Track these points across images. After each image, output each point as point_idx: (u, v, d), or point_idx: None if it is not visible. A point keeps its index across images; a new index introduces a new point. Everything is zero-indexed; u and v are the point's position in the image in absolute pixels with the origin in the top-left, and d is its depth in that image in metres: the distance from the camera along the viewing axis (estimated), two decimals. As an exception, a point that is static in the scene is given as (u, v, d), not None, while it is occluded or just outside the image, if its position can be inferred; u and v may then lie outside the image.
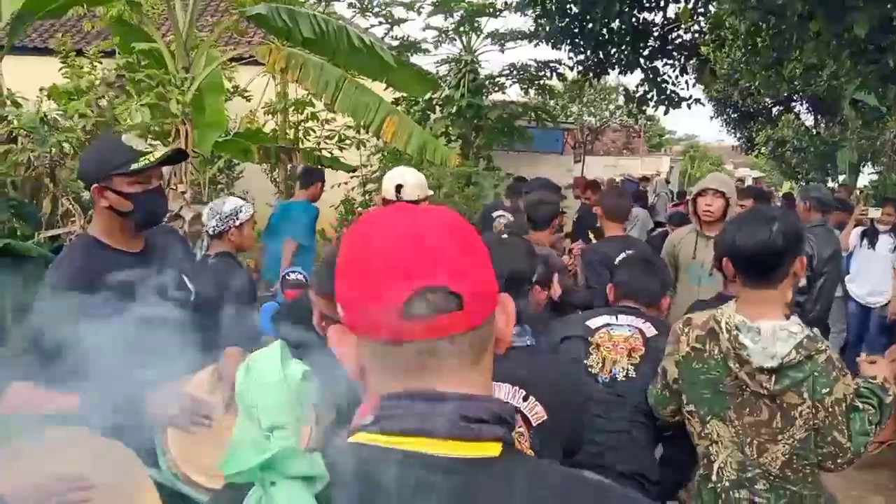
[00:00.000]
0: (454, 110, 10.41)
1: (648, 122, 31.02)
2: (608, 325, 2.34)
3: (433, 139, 5.27)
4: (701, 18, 9.48)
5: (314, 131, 7.58)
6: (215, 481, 1.62)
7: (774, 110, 21.26)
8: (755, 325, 1.76)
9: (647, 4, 9.02)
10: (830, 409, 1.75)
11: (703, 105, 12.12)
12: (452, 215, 0.79)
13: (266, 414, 0.75)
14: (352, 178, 8.23)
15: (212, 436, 1.70)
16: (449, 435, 0.69)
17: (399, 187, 3.29)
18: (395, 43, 10.36)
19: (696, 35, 9.84)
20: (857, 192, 12.44)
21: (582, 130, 26.35)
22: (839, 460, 1.80)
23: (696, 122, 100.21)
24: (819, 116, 19.23)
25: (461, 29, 10.93)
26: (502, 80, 11.20)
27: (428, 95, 11.13)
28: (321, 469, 0.67)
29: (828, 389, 1.75)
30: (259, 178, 8.74)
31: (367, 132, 6.01)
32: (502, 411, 0.74)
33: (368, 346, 0.74)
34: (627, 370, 2.24)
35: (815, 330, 1.83)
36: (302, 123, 8.12)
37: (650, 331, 2.30)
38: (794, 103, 19.98)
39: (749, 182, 22.17)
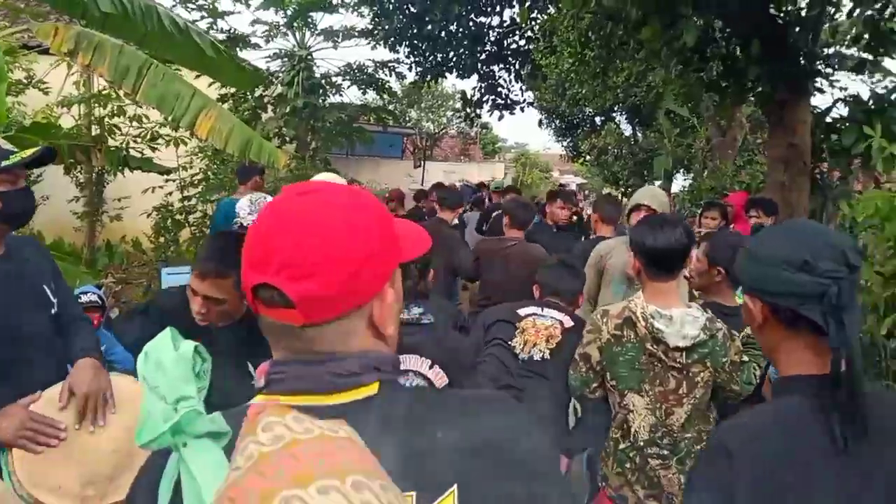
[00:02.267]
0: (288, 110, 9.74)
1: (483, 130, 31.94)
2: (535, 314, 2.76)
3: (258, 137, 4.63)
4: (535, 25, 9.64)
5: (119, 129, 6.57)
6: (66, 501, 1.65)
7: (597, 120, 22.76)
8: (667, 313, 2.12)
9: (485, 9, 8.97)
10: (728, 371, 2.19)
11: (535, 108, 12.39)
12: (341, 205, 0.80)
13: (169, 389, 0.80)
14: (167, 181, 7.30)
15: (62, 454, 1.70)
16: (325, 390, 0.80)
17: None
18: (222, 36, 9.49)
19: (530, 42, 9.99)
20: (673, 197, 13.43)
21: (421, 136, 26.45)
22: (738, 400, 2.24)
23: (527, 131, 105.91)
24: (637, 126, 20.77)
25: (294, 24, 10.30)
26: (339, 80, 10.68)
27: (259, 93, 10.37)
28: (224, 425, 0.75)
29: (726, 358, 2.18)
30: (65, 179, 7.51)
31: (179, 128, 5.22)
32: (376, 361, 0.82)
33: None
34: (544, 353, 2.65)
35: (709, 312, 2.23)
36: (107, 119, 7.05)
37: (568, 322, 2.72)
38: (614, 114, 21.49)
39: (573, 186, 23.40)
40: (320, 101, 10.06)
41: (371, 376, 0.81)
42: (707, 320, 2.15)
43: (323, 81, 10.93)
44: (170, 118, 4.42)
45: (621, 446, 2.22)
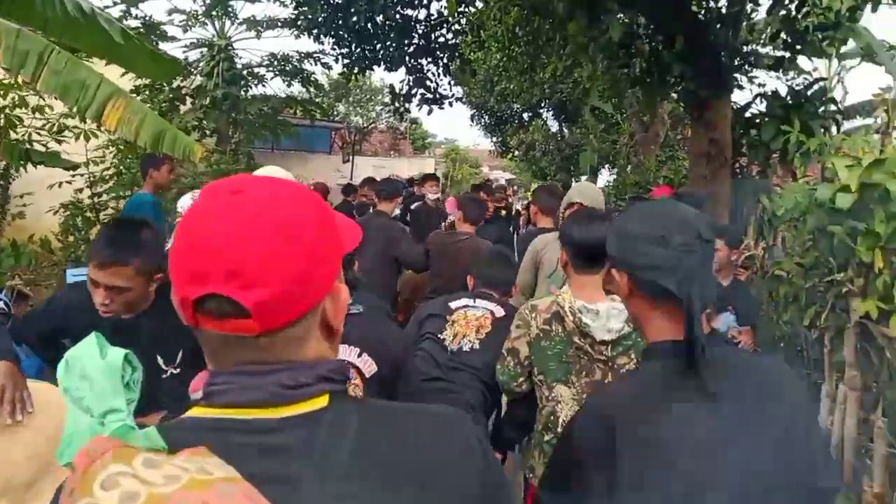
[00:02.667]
0: (207, 102, 9.32)
1: (413, 125, 31.79)
2: (466, 306, 2.78)
3: (173, 129, 4.34)
4: (463, 19, 9.57)
5: (20, 120, 6.06)
6: None
7: (525, 116, 23.02)
8: (594, 307, 2.14)
9: (412, 1, 8.83)
10: None
11: (465, 104, 12.37)
12: (281, 202, 0.74)
13: (96, 402, 0.74)
14: (74, 176, 6.81)
15: None
16: (272, 402, 0.73)
17: None
18: (136, 23, 8.97)
19: (458, 35, 9.92)
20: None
21: (349, 130, 26.05)
22: None
23: (457, 126, 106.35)
24: (563, 122, 21.12)
25: (213, 13, 9.86)
26: (262, 70, 10.32)
27: (176, 84, 9.89)
28: (158, 440, 0.66)
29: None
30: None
31: (86, 119, 4.86)
32: (327, 371, 0.78)
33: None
34: (473, 343, 2.67)
35: None
36: (7, 110, 6.50)
37: (499, 312, 2.73)
38: (542, 110, 21.80)
39: (502, 181, 23.62)
40: (242, 92, 9.68)
41: (321, 387, 0.77)
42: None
43: (245, 72, 10.54)
44: (74, 108, 4.08)
45: (546, 438, 2.25)
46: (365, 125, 27.62)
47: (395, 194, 5.50)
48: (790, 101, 5.69)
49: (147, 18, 9.39)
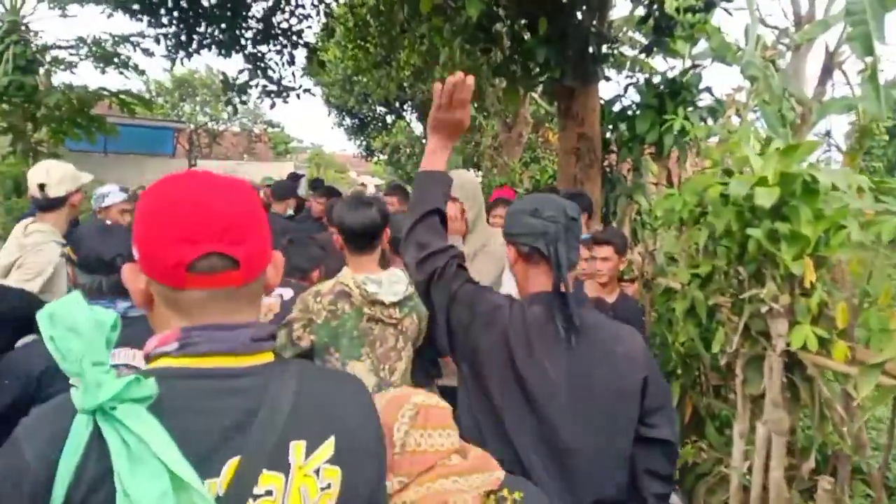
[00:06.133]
0: (-9, 91, 7.58)
1: (271, 129, 30.11)
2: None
3: None
4: (307, 2, 8.48)
5: None
6: None
7: (388, 119, 22.29)
8: (376, 277, 2.35)
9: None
10: (427, 320, 2.46)
11: (314, 95, 11.25)
12: (240, 182, 0.95)
13: (87, 352, 0.79)
14: None
15: None
16: (247, 352, 0.92)
17: (42, 186, 3.00)
18: None
19: (302, 21, 8.80)
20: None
21: (196, 131, 23.91)
22: None
23: (323, 131, 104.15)
24: (426, 124, 20.52)
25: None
26: (65, 54, 8.64)
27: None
28: (154, 388, 0.80)
29: (426, 311, 2.36)
30: None
31: None
32: (272, 330, 0.98)
33: (159, 287, 0.90)
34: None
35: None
36: None
37: (288, 294, 2.73)
38: (404, 112, 21.12)
39: (371, 188, 22.93)
40: (35, 79, 7.98)
41: (270, 344, 0.96)
42: (409, 278, 2.32)
43: (46, 57, 8.83)
44: None
45: None
46: (214, 126, 25.51)
47: (288, 195, 5.63)
48: (665, 90, 5.16)
49: None
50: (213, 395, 0.86)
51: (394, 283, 2.36)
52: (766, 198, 2.32)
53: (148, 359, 0.91)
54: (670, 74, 5.63)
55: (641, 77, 6.31)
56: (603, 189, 6.02)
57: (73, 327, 0.79)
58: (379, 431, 1.03)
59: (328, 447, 0.92)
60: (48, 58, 9.12)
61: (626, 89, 5.77)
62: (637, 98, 5.48)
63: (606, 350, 1.55)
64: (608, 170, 6.29)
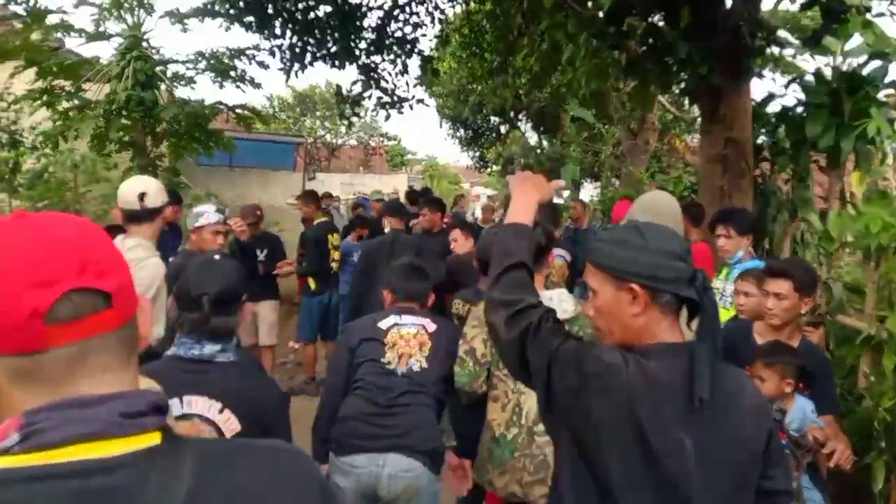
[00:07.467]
0: (113, 108, 7.75)
1: (389, 142, 30.58)
2: (396, 324, 2.72)
3: None
4: (422, 9, 8.13)
5: None
6: None
7: (502, 129, 21.87)
8: (546, 294, 2.36)
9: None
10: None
11: (427, 105, 10.93)
12: (71, 217, 0.77)
13: None
14: None
15: None
16: (118, 433, 0.68)
17: (142, 196, 2.94)
18: (19, 9, 7.39)
19: (417, 29, 8.45)
20: (584, 206, 12.26)
21: (315, 145, 24.55)
22: None
23: (439, 142, 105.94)
24: (542, 134, 19.90)
25: (126, 4, 8.33)
26: (184, 69, 8.76)
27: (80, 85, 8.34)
28: None
29: (590, 331, 2.35)
30: None
31: None
32: (158, 399, 0.74)
33: (5, 361, 0.69)
34: (421, 362, 2.66)
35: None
36: None
37: (431, 326, 2.73)
38: (519, 122, 20.59)
39: (484, 199, 22.63)
40: (155, 94, 8.10)
41: (155, 420, 0.71)
42: (575, 299, 2.48)
43: (167, 73, 8.98)
44: None
45: (510, 435, 2.43)
46: (334, 140, 26.11)
47: (403, 212, 5.67)
48: (843, 85, 4.23)
49: (32, 3, 7.75)
50: (71, 502, 0.64)
51: (564, 300, 2.43)
52: None
53: None
54: (826, 72, 4.70)
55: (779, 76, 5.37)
56: (755, 202, 5.16)
57: None
58: None
59: None
60: (168, 73, 9.30)
61: (787, 85, 4.87)
62: (801, 96, 4.59)
63: (736, 404, 1.37)
64: (760, 181, 5.42)
